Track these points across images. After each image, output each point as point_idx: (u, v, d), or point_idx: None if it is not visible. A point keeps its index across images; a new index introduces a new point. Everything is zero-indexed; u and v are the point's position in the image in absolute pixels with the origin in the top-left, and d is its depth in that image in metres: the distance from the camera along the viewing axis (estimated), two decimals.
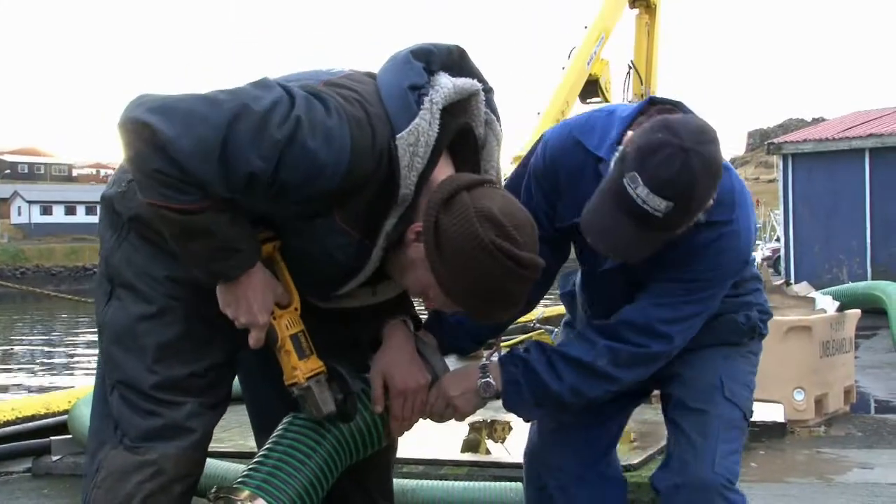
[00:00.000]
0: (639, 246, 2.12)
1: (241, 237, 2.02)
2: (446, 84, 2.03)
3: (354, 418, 2.22)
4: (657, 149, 2.01)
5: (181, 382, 2.14)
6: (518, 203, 2.06)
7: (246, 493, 2.11)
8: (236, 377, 2.37)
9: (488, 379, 2.33)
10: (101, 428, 2.21)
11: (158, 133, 1.86)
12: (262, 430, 2.49)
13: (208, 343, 2.16)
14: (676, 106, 2.26)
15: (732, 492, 2.39)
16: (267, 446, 2.22)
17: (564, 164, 2.33)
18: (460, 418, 2.37)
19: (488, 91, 2.14)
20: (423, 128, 1.98)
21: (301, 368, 2.13)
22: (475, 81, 2.10)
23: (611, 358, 2.32)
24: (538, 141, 2.45)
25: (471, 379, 2.33)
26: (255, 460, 2.21)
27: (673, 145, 2.01)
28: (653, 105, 2.28)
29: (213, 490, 2.15)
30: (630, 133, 2.17)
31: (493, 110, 2.17)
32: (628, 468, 4.47)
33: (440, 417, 2.34)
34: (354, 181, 1.97)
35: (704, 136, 2.05)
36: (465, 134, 2.11)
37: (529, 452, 2.68)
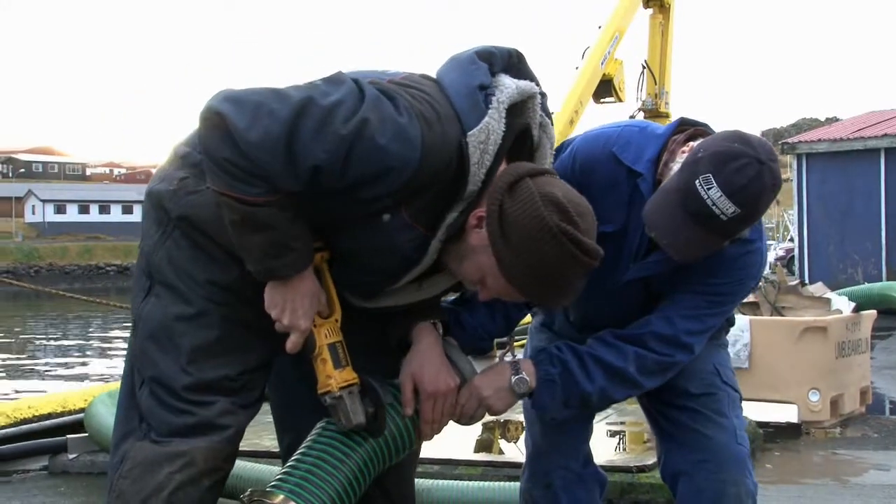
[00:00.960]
0: (698, 246, 2.21)
1: (298, 237, 2.06)
2: (510, 85, 2.07)
3: (383, 433, 2.23)
4: (735, 157, 2.14)
5: (213, 384, 2.15)
6: (577, 192, 2.09)
7: (280, 497, 2.12)
8: None
9: (522, 375, 2.35)
10: (127, 419, 2.22)
11: (230, 122, 1.92)
12: (286, 430, 2.51)
13: (243, 348, 2.18)
14: (705, 127, 2.38)
15: (751, 464, 2.56)
16: (301, 450, 2.22)
17: (597, 174, 2.39)
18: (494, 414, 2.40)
19: (543, 95, 2.18)
20: (492, 126, 2.03)
21: (336, 378, 2.15)
22: (534, 84, 2.14)
23: (639, 365, 2.40)
24: (563, 147, 2.49)
25: (503, 376, 2.35)
26: (288, 464, 2.21)
27: (750, 156, 2.14)
28: (683, 125, 2.39)
29: (246, 493, 2.15)
30: (690, 145, 2.28)
31: (547, 113, 2.20)
32: (643, 469, 4.48)
33: (471, 419, 2.36)
34: (424, 178, 2.00)
35: (774, 154, 2.19)
36: (523, 135, 2.15)
37: (535, 453, 2.71)
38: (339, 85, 1.98)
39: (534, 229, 2.00)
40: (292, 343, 2.13)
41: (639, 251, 2.40)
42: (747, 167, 2.13)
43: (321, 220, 2.10)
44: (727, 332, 2.73)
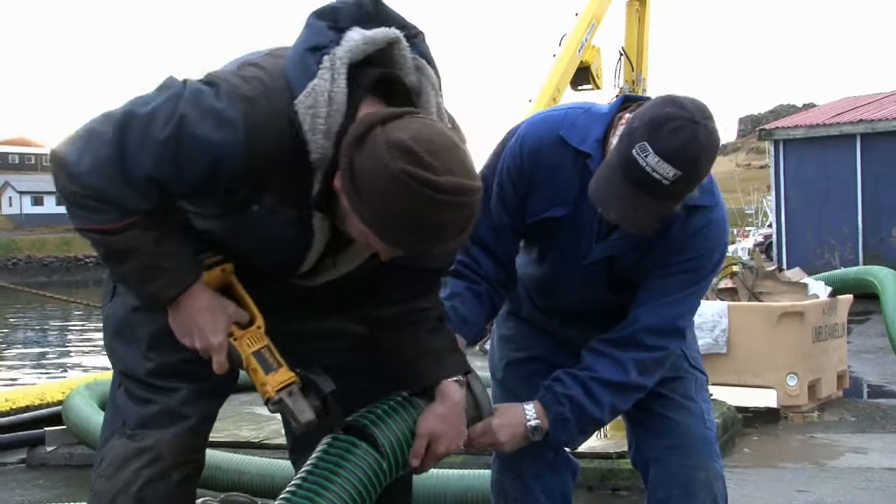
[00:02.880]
0: (649, 214, 2.20)
1: (168, 256, 2.01)
2: (354, 38, 1.95)
3: (339, 422, 2.18)
4: (667, 121, 2.13)
5: (174, 368, 2.14)
6: (441, 128, 1.92)
7: None
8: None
9: (536, 423, 2.40)
10: (111, 420, 2.22)
11: (63, 158, 1.95)
12: (301, 451, 2.41)
13: None
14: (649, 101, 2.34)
15: (717, 446, 2.58)
16: (308, 465, 2.16)
17: (543, 158, 2.38)
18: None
19: (414, 36, 2.04)
20: (321, 87, 1.91)
21: (270, 383, 2.08)
22: (392, 29, 1.99)
23: (640, 370, 2.42)
24: (509, 134, 2.49)
25: (518, 423, 2.39)
26: (297, 476, 2.16)
27: (682, 118, 2.13)
28: (627, 101, 2.38)
29: None
30: (627, 116, 2.26)
31: (423, 54, 2.05)
32: (623, 455, 4.50)
33: (476, 450, 2.40)
34: (263, 156, 1.92)
35: (708, 112, 2.18)
36: (389, 82, 2.01)
37: None
38: (165, 90, 1.94)
39: (380, 182, 1.84)
40: (216, 364, 2.07)
41: (600, 231, 2.39)
42: (681, 129, 2.12)
43: (202, 228, 2.08)
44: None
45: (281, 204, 1.99)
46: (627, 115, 2.26)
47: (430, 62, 2.06)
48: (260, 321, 2.12)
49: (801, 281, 7.06)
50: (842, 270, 9.39)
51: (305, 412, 2.09)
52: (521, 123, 2.52)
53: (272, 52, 2.05)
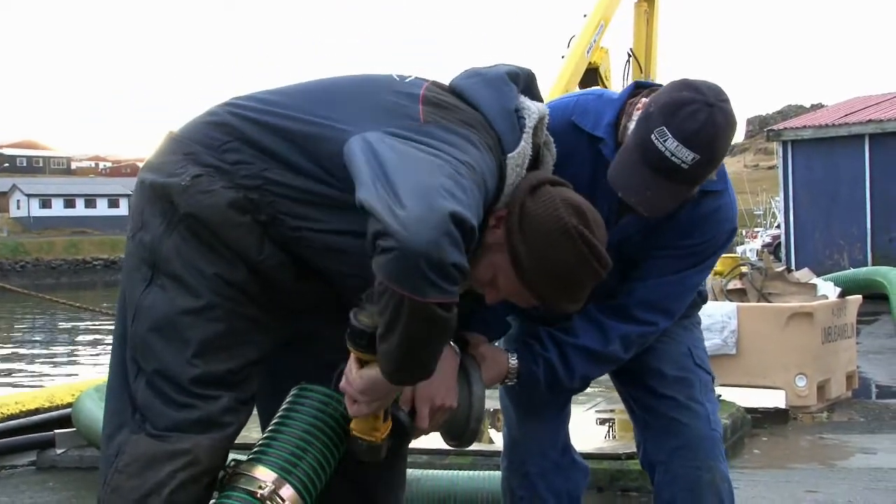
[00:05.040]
0: (668, 199, 2.23)
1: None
2: (532, 108, 2.16)
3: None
4: (684, 104, 2.15)
5: (219, 378, 2.13)
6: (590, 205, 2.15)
7: (262, 469, 2.10)
8: None
9: (513, 382, 2.44)
10: (119, 410, 2.18)
11: (458, 216, 1.80)
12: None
13: (247, 341, 2.16)
14: (660, 87, 2.35)
15: (723, 448, 2.61)
16: (275, 421, 2.21)
17: (557, 144, 2.37)
18: None
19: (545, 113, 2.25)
20: (525, 150, 2.12)
21: (381, 430, 2.15)
22: (544, 105, 2.23)
23: (622, 343, 2.44)
24: None
25: (501, 371, 2.41)
26: (265, 435, 2.20)
27: (698, 101, 2.15)
28: (639, 88, 2.40)
29: (230, 463, 2.13)
30: (643, 101, 2.29)
31: (550, 131, 2.28)
32: (632, 456, 4.49)
33: (461, 436, 2.39)
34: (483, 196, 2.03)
35: (724, 95, 2.21)
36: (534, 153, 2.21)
37: (512, 442, 2.72)
38: (449, 152, 1.96)
39: (552, 228, 2.07)
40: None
41: (610, 216, 2.38)
42: (698, 112, 2.13)
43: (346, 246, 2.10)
44: (699, 308, 2.75)
45: None
46: (643, 100, 2.28)
47: (553, 139, 2.30)
48: None
49: (810, 282, 7.05)
50: (851, 271, 9.41)
51: (384, 451, 2.19)
52: None
53: (439, 93, 2.14)
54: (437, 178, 1.86)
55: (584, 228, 2.07)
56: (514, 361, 2.40)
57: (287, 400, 2.23)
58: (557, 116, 2.39)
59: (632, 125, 2.27)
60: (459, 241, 1.80)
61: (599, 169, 2.32)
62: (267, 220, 2.10)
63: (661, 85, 2.34)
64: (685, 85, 2.20)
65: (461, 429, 2.31)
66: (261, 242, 2.11)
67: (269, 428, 2.20)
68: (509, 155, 2.09)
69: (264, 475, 2.09)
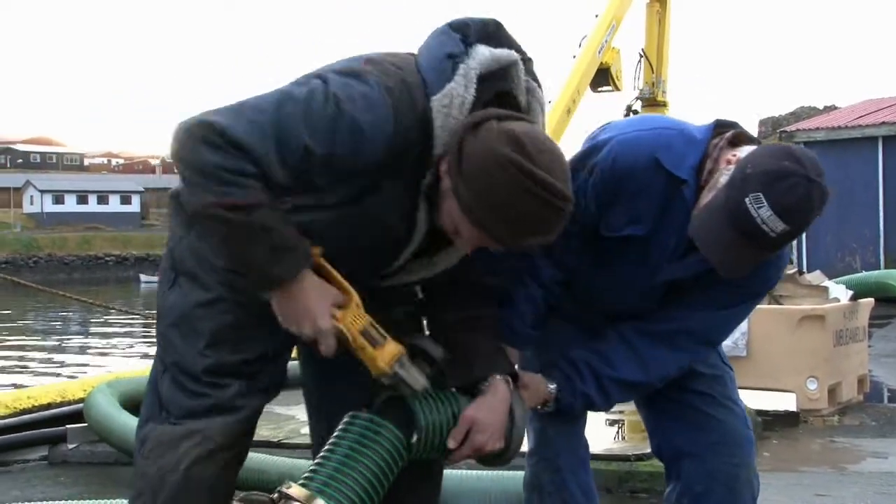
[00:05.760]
0: (746, 261, 2.25)
1: (294, 234, 2.07)
2: (483, 53, 2.11)
3: (447, 384, 2.29)
4: (785, 176, 2.15)
5: (231, 368, 2.22)
6: (547, 135, 2.09)
7: (307, 493, 2.11)
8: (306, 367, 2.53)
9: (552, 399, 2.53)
10: (149, 405, 2.30)
11: (216, 124, 1.99)
12: (320, 419, 2.54)
13: (260, 335, 2.23)
14: (740, 128, 2.39)
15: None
16: (329, 444, 2.22)
17: (634, 179, 2.38)
18: None
19: (527, 61, 2.21)
20: (456, 91, 2.07)
21: (381, 358, 2.14)
22: (512, 51, 2.16)
23: (661, 373, 2.52)
24: (598, 147, 2.45)
25: (539, 399, 2.52)
26: (317, 458, 2.22)
27: (800, 175, 2.16)
28: (720, 127, 2.39)
29: (274, 493, 2.13)
30: (735, 155, 2.28)
31: (534, 78, 2.22)
32: (641, 457, 4.49)
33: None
34: (399, 144, 2.05)
35: (821, 169, 2.22)
36: (504, 99, 2.15)
37: (545, 438, 2.71)
38: (306, 82, 2.08)
39: (486, 162, 1.99)
40: (325, 348, 2.13)
41: (675, 252, 2.41)
42: (797, 186, 2.14)
43: (307, 221, 2.13)
44: None
45: (395, 193, 2.11)
46: (734, 154, 2.27)
47: (540, 86, 2.23)
48: (356, 298, 2.16)
49: (822, 284, 7.03)
50: (863, 274, 9.35)
51: (419, 380, 2.18)
52: (609, 138, 2.46)
53: (391, 52, 2.19)
54: (249, 101, 2.05)
55: (519, 156, 1.98)
56: (552, 389, 2.50)
57: (358, 428, 2.21)
58: (643, 151, 2.38)
59: (720, 176, 2.26)
60: (221, 144, 1.97)
61: (674, 207, 2.34)
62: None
63: (738, 125, 2.37)
64: (788, 154, 2.20)
65: (496, 461, 2.39)
66: None
67: (336, 457, 2.18)
68: (433, 98, 2.06)
69: (302, 497, 2.10)
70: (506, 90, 2.16)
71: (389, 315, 2.31)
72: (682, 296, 2.47)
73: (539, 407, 2.52)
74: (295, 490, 2.11)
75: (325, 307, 2.12)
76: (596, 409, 2.56)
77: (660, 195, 2.36)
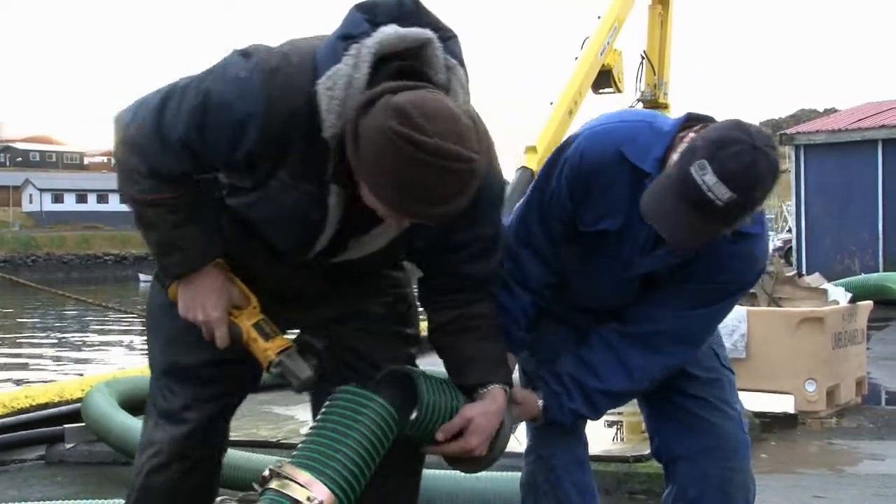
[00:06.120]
0: (696, 234, 2.22)
1: (185, 238, 2.24)
2: (387, 32, 2.06)
3: (337, 381, 2.32)
4: (730, 143, 2.14)
5: (185, 371, 2.39)
6: (449, 102, 2.01)
7: (306, 476, 2.13)
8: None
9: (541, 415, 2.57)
10: (148, 400, 2.51)
11: (118, 121, 2.21)
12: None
13: (206, 342, 2.33)
14: (711, 121, 2.36)
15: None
16: (318, 419, 2.28)
17: (603, 171, 2.39)
18: None
19: (448, 38, 2.15)
20: (342, 71, 2.02)
21: (270, 347, 2.29)
22: (425, 30, 2.10)
23: (647, 379, 2.52)
24: (568, 143, 2.48)
25: (532, 415, 2.57)
26: (307, 435, 2.26)
27: (745, 143, 2.14)
28: (691, 120, 2.38)
29: (267, 470, 2.16)
30: (691, 135, 2.27)
31: (455, 55, 2.15)
32: (640, 459, 4.49)
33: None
34: (276, 128, 2.06)
35: (772, 142, 2.20)
36: (417, 76, 2.08)
37: (537, 437, 2.72)
38: (205, 70, 2.15)
39: (374, 138, 1.95)
40: (219, 337, 2.28)
41: (645, 246, 2.41)
42: (742, 153, 2.12)
43: (235, 205, 2.24)
44: None
45: (295, 179, 2.12)
46: (691, 135, 2.27)
47: (462, 63, 2.15)
48: (255, 301, 2.33)
49: (821, 287, 7.03)
50: (862, 276, 9.37)
51: (304, 370, 2.29)
52: (579, 132, 2.50)
53: (318, 36, 2.18)
54: (147, 97, 2.20)
55: (405, 127, 1.91)
56: (541, 405, 2.53)
57: (348, 403, 2.24)
58: (608, 145, 2.40)
59: (674, 155, 2.26)
60: (120, 140, 2.20)
61: (639, 199, 2.31)
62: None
63: (712, 118, 2.35)
64: (736, 125, 2.19)
65: (469, 466, 2.44)
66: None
67: (326, 433, 2.20)
68: (318, 81, 2.03)
69: (297, 475, 2.13)
70: (411, 67, 2.09)
71: (367, 308, 2.45)
72: (660, 293, 2.47)
73: (532, 421, 2.57)
74: (287, 468, 2.14)
75: (221, 301, 2.27)
76: (587, 419, 2.58)
77: (627, 188, 2.36)
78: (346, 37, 2.06)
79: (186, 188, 2.21)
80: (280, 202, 2.15)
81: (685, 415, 2.61)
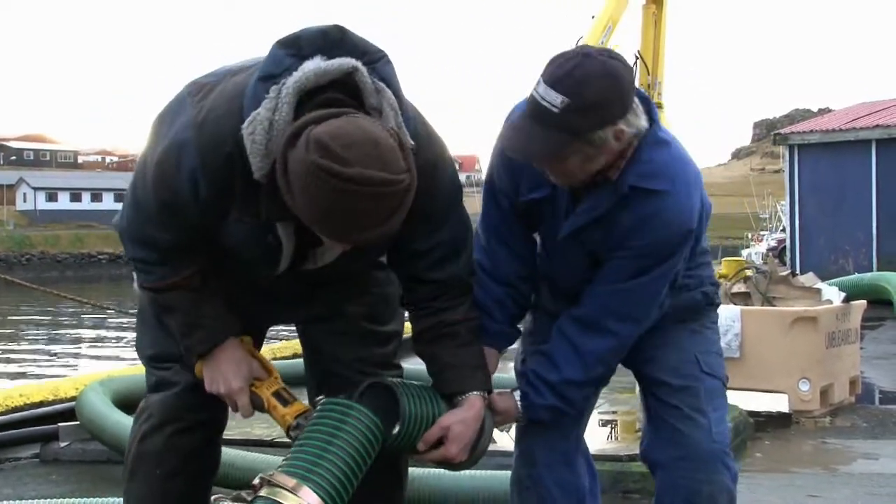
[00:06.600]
0: (540, 145, 2.24)
1: (205, 316, 2.38)
2: (307, 68, 2.08)
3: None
4: (559, 56, 2.24)
5: (171, 356, 2.51)
6: (369, 126, 2.03)
7: (293, 482, 2.18)
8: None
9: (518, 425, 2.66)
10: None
11: (117, 228, 2.42)
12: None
13: None
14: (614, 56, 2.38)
15: (729, 457, 2.59)
16: (308, 430, 2.31)
17: None
18: None
19: (376, 61, 2.17)
20: (262, 116, 2.07)
21: (289, 413, 2.40)
22: (348, 60, 2.11)
23: (601, 363, 2.52)
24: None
25: (511, 417, 2.61)
26: (296, 445, 2.29)
27: (577, 53, 2.23)
28: None
29: (257, 479, 2.21)
30: None
31: (384, 77, 2.17)
32: (633, 458, 4.49)
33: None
34: (218, 174, 2.16)
35: (614, 54, 2.26)
36: (340, 103, 2.09)
37: (521, 431, 2.73)
38: (156, 132, 2.29)
39: (300, 172, 1.99)
40: (241, 407, 2.42)
41: (568, 208, 2.44)
42: (569, 60, 2.20)
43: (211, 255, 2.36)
44: (709, 312, 2.71)
45: (242, 215, 2.22)
46: None
47: (390, 84, 2.17)
48: (276, 374, 2.48)
49: (815, 286, 7.04)
50: (856, 276, 9.39)
51: None
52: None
53: (250, 67, 2.22)
54: (126, 197, 2.39)
55: (325, 160, 1.95)
56: (520, 406, 2.56)
57: (333, 413, 2.31)
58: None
59: None
60: (125, 241, 2.39)
61: None
62: None
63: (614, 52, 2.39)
64: (579, 49, 2.28)
65: (449, 466, 2.48)
66: None
67: (316, 443, 2.26)
68: (242, 126, 2.09)
69: (287, 482, 2.18)
70: (333, 98, 2.10)
71: (346, 309, 2.54)
72: (600, 271, 2.46)
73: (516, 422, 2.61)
74: (277, 476, 2.18)
75: (241, 372, 2.41)
76: (566, 412, 2.56)
77: None
78: (267, 77, 2.10)
79: (195, 266, 2.34)
80: (236, 234, 2.27)
81: (660, 422, 2.60)
